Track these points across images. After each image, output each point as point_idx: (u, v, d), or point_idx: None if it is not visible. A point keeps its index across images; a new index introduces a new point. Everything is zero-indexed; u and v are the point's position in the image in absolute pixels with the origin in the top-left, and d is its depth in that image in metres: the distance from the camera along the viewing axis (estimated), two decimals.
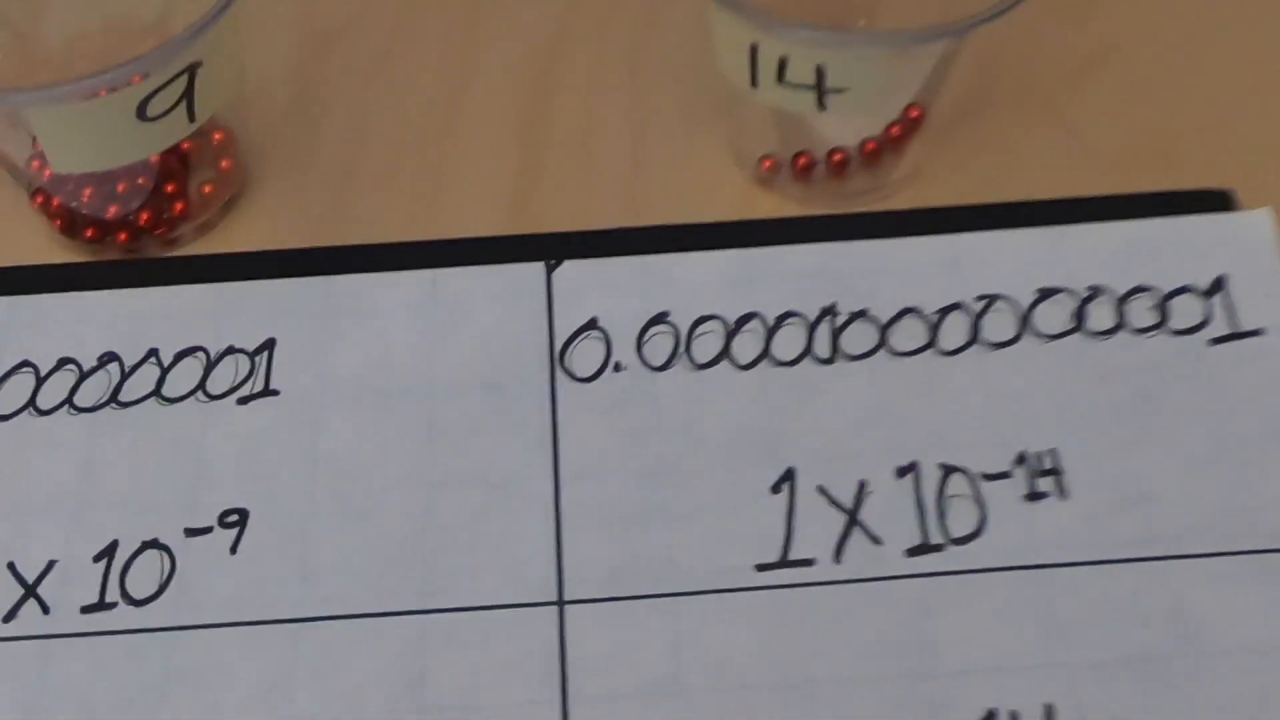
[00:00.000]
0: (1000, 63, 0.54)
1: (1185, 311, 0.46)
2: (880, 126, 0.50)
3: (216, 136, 0.50)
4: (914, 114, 0.51)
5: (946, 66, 0.46)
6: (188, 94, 0.43)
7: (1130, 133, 0.52)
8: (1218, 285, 0.47)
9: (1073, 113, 0.53)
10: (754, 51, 0.43)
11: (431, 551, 0.41)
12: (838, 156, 0.50)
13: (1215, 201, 0.49)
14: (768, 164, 0.50)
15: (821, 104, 0.44)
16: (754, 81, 0.45)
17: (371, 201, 0.51)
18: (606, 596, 0.40)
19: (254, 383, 0.45)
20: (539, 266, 0.48)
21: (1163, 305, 0.46)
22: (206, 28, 0.41)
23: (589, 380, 0.45)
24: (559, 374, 0.45)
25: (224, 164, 0.49)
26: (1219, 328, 0.46)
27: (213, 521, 0.42)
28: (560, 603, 0.40)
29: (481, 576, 0.41)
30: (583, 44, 0.56)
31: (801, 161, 0.50)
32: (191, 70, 0.42)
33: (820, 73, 0.43)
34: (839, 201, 0.50)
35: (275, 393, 0.45)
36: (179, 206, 0.48)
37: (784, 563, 0.41)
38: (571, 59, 0.55)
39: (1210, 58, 0.55)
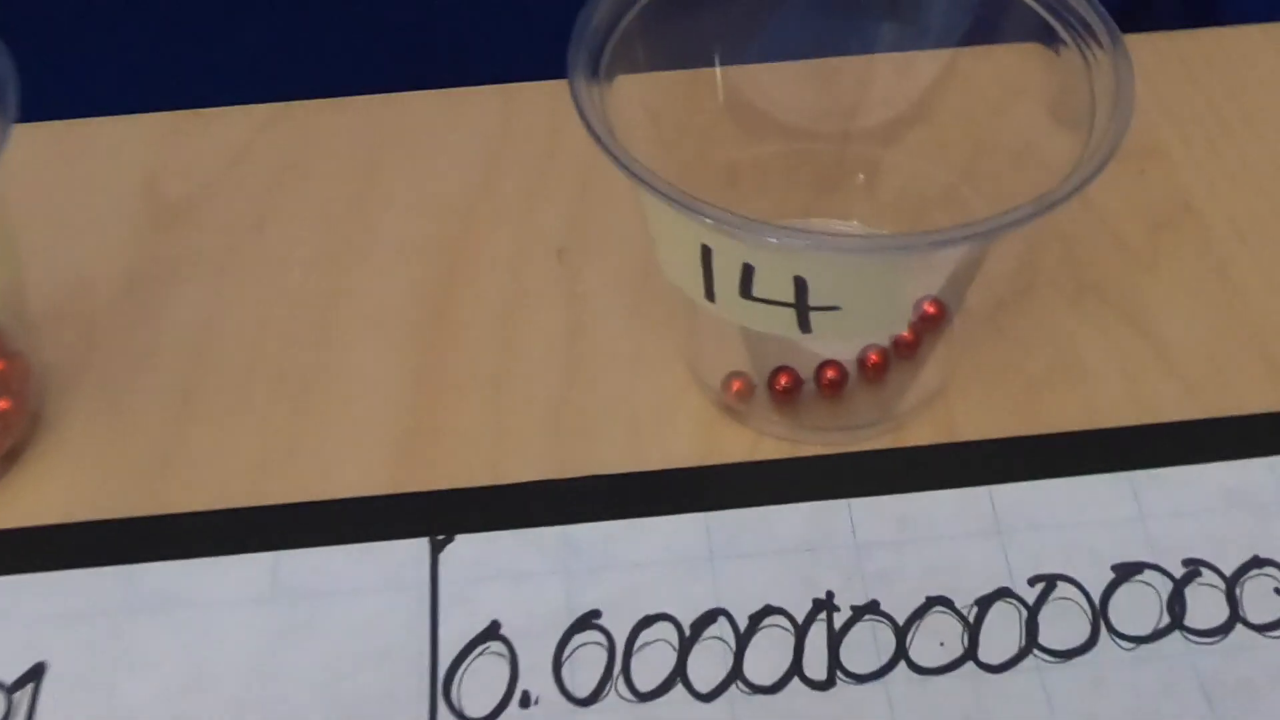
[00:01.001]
0: (1042, 237, 0.42)
1: None
2: (886, 333, 0.38)
3: None
4: (931, 311, 0.38)
5: (977, 259, 0.34)
6: None
7: (1214, 327, 0.39)
8: None
9: (1135, 299, 0.40)
10: (707, 256, 0.31)
11: None
12: (830, 374, 0.37)
13: None
14: (737, 386, 0.37)
15: (805, 325, 0.31)
16: (709, 294, 0.32)
17: (209, 447, 0.38)
18: None
19: None
20: (422, 544, 0.35)
21: None
22: None
23: None
24: (442, 711, 0.32)
25: (1, 404, 0.37)
26: None
27: None
28: None
29: None
30: (498, 223, 0.43)
31: (782, 382, 0.37)
32: None
33: (801, 286, 0.30)
34: (834, 436, 0.37)
35: None
36: None
37: None
38: (484, 243, 0.43)
39: None
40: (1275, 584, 0.33)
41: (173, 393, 0.39)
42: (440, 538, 0.35)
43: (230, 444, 0.38)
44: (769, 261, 0.30)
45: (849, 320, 0.31)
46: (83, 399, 0.39)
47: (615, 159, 0.30)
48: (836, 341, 0.36)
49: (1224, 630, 0.32)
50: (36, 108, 0.47)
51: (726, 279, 0.31)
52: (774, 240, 0.28)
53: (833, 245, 0.29)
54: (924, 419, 0.38)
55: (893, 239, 0.29)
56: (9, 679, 0.32)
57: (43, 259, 0.42)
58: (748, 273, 0.30)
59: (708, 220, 0.29)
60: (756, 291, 0.31)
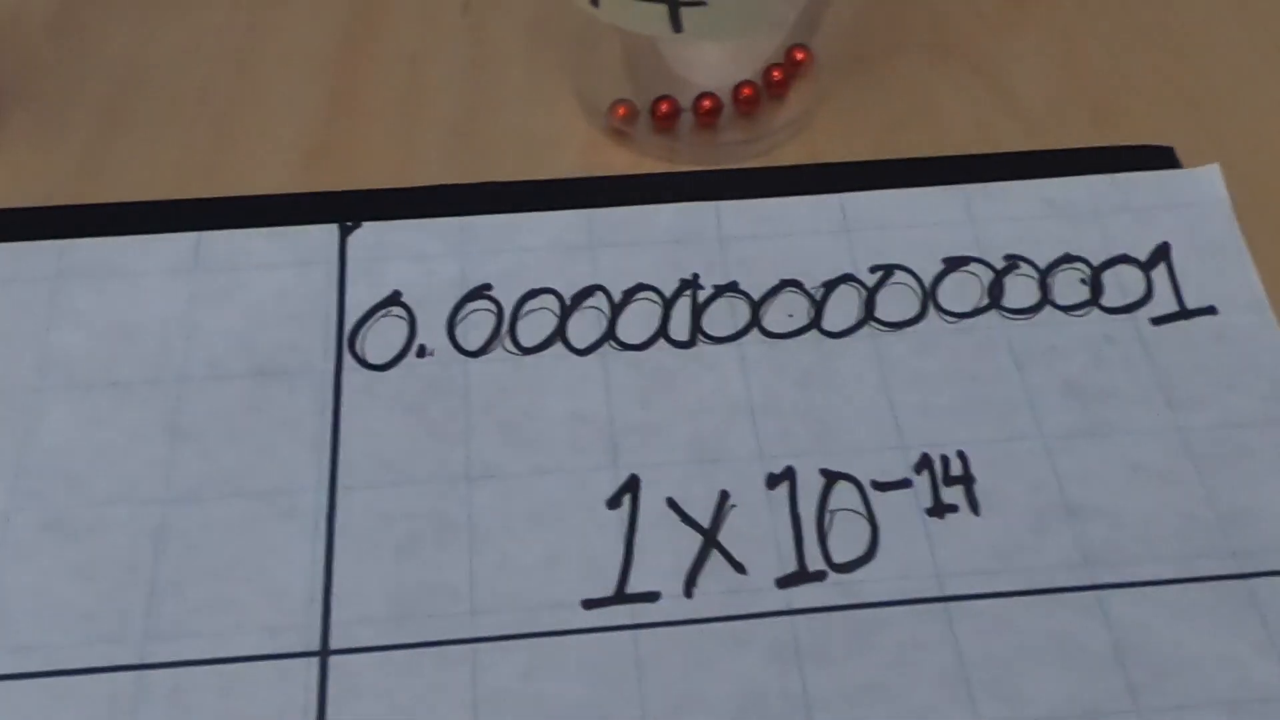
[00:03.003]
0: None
1: (1122, 285, 0.38)
2: (758, 68, 0.42)
3: None
4: (799, 56, 0.42)
5: None
6: None
7: (1055, 82, 0.44)
8: (1160, 255, 0.39)
9: (989, 58, 0.45)
10: None
11: (162, 585, 0.32)
12: (706, 103, 0.41)
13: (1154, 159, 0.41)
14: (621, 111, 0.41)
15: (675, 22, 0.35)
16: None
17: (137, 150, 0.41)
18: (384, 644, 0.31)
19: None
20: (331, 229, 0.39)
21: (1095, 278, 0.38)
22: None
23: (384, 367, 0.36)
24: (347, 359, 0.36)
25: None
26: (1162, 305, 0.38)
27: None
28: (323, 653, 0.31)
29: (223, 618, 0.31)
30: None
31: (662, 109, 0.41)
32: None
33: None
34: (708, 157, 0.41)
35: None
36: None
37: (620, 598, 0.32)
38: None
39: None
40: (1081, 276, 0.38)
41: (102, 110, 0.42)
42: (348, 224, 0.38)
43: (156, 152, 0.41)
44: None
45: (716, 17, 0.35)
46: (16, 111, 0.42)
47: None
48: (716, 66, 0.40)
49: (1035, 309, 0.37)
50: None
51: None
52: None
53: None
54: (791, 147, 0.42)
55: None
56: None
57: None
58: None
59: None
60: None
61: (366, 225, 0.38)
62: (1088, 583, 0.32)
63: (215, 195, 0.40)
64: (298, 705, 0.30)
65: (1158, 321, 0.37)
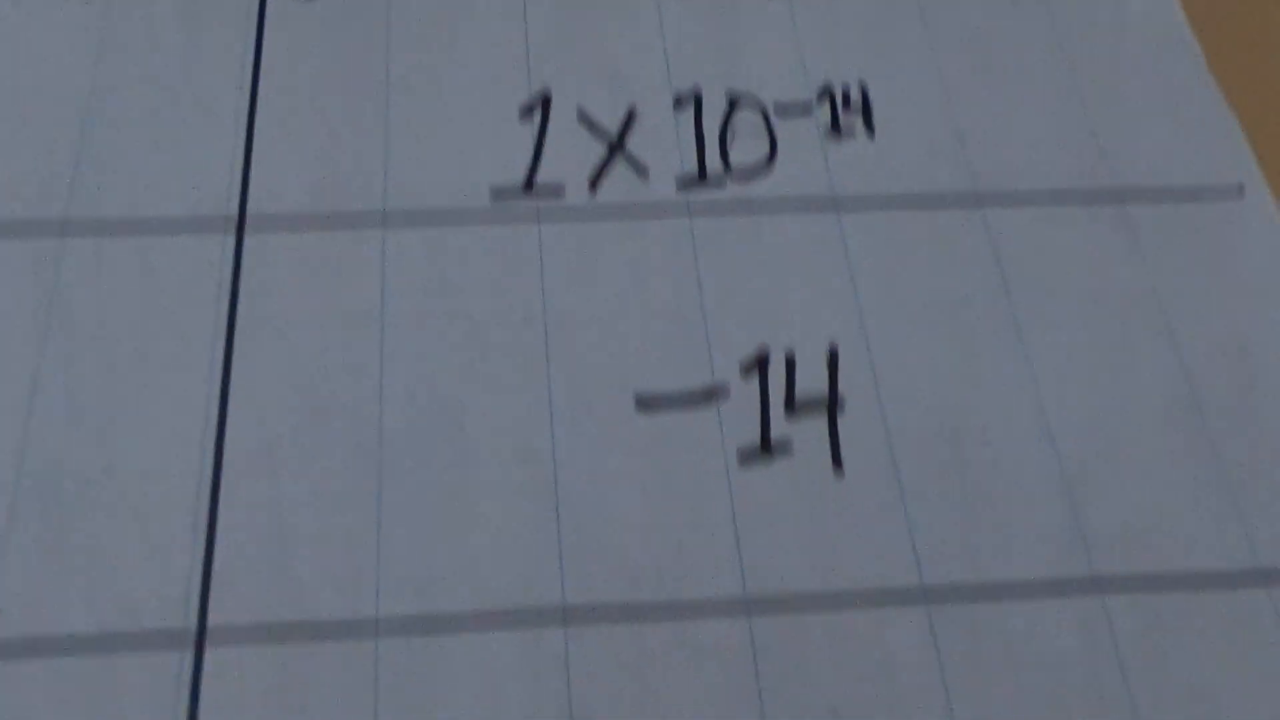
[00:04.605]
0: None
1: None
2: None
3: None
4: None
5: None
6: None
7: None
8: None
9: None
10: None
11: (90, 157, 0.33)
12: None
13: None
14: None
15: None
16: None
17: None
18: (300, 211, 0.32)
19: None
20: None
21: None
22: None
23: None
24: None
25: None
26: None
27: None
28: (239, 228, 0.32)
29: (146, 190, 0.32)
30: None
31: None
32: None
33: None
34: None
35: None
36: None
37: (528, 188, 0.33)
38: None
39: None
40: None
41: None
42: None
43: None
44: None
45: None
46: None
47: None
48: None
49: None
50: None
51: None
52: None
53: None
54: None
55: None
56: None
57: None
58: None
59: None
60: None
61: None
62: (971, 195, 0.34)
63: None
64: (214, 270, 0.31)
65: None
